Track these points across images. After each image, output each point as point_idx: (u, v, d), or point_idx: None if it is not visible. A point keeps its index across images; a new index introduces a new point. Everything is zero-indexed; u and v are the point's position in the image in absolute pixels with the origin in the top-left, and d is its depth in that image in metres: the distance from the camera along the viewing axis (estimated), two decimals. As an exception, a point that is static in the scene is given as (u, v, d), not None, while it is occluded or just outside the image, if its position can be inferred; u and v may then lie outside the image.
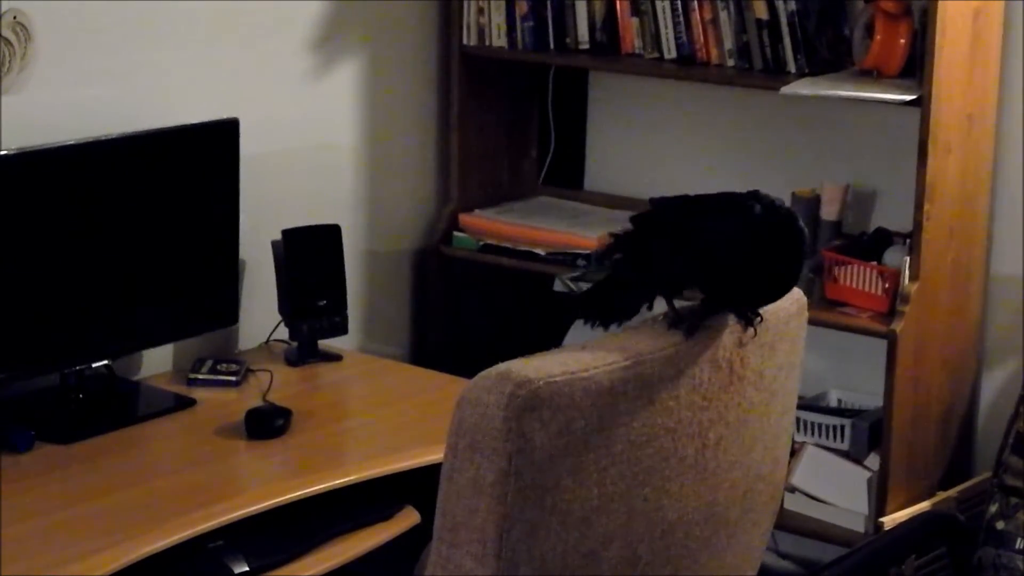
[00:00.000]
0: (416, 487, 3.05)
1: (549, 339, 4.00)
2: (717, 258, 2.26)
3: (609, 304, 2.39)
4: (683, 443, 2.25)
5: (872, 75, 3.57)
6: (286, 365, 3.60)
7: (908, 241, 3.55)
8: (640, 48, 3.86)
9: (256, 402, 3.31)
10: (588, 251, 3.89)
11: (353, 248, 3.90)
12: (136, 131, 3.29)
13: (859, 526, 3.61)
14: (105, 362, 3.33)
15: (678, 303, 2.32)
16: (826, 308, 3.58)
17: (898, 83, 3.52)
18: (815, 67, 3.65)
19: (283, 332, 3.67)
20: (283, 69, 3.76)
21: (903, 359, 3.49)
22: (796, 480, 3.68)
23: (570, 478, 2.11)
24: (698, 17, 3.75)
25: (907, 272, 3.49)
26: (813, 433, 3.73)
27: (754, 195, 2.29)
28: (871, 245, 3.67)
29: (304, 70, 3.81)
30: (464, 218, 4.10)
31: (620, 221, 3.88)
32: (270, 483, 3.03)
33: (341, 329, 3.69)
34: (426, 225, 4.15)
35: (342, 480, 3.01)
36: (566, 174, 4.32)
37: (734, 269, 2.26)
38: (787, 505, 3.66)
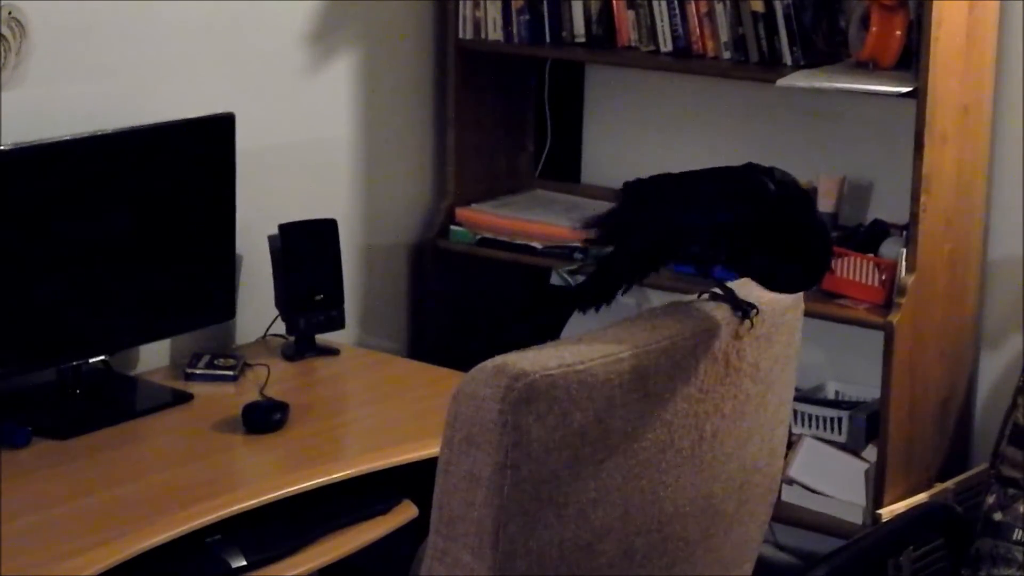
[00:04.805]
0: (414, 481, 3.05)
1: (546, 332, 3.99)
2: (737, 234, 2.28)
3: (601, 284, 2.39)
4: (679, 435, 2.25)
5: (868, 67, 3.57)
6: (283, 359, 3.60)
7: (905, 233, 3.55)
8: (636, 41, 3.86)
9: (253, 396, 3.30)
10: (585, 244, 3.89)
11: (350, 242, 3.90)
12: (132, 126, 3.29)
13: (857, 518, 3.61)
14: (102, 357, 3.33)
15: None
16: (823, 300, 3.58)
17: (894, 75, 3.51)
18: (811, 59, 3.65)
19: (280, 327, 3.67)
20: (279, 64, 3.76)
21: (900, 351, 3.49)
22: (794, 472, 3.68)
23: (566, 471, 2.11)
24: (694, 10, 3.75)
25: (904, 264, 3.49)
26: (811, 425, 3.73)
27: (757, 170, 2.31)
28: (868, 237, 3.68)
29: (300, 64, 3.81)
30: (461, 212, 4.10)
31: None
32: (267, 478, 3.03)
33: (338, 323, 3.69)
34: (423, 219, 4.15)
35: (340, 474, 3.01)
36: (563, 167, 4.32)
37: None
38: (785, 497, 3.66)
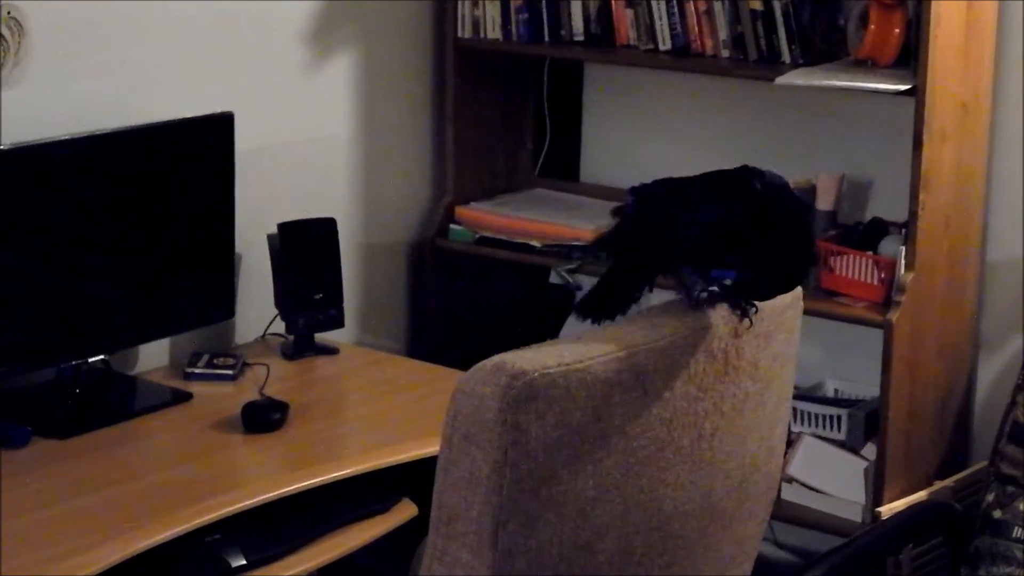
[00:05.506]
0: (413, 480, 3.05)
1: (545, 331, 4.00)
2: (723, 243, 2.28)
3: (611, 294, 2.38)
4: (679, 434, 2.25)
5: (867, 65, 3.57)
6: (282, 359, 3.60)
7: (904, 230, 3.55)
8: (635, 39, 3.86)
9: (253, 396, 3.31)
10: (584, 243, 3.89)
11: (349, 241, 3.90)
12: (131, 125, 3.29)
13: (856, 516, 3.61)
14: (102, 357, 3.33)
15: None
16: (822, 298, 3.58)
17: (893, 73, 3.51)
18: (810, 57, 3.65)
19: (279, 326, 3.67)
20: (278, 63, 3.76)
21: (899, 349, 3.49)
22: (793, 470, 3.68)
23: (566, 470, 2.11)
24: (692, 8, 3.75)
25: (903, 261, 3.50)
26: (810, 423, 3.73)
27: (749, 172, 2.31)
28: (867, 235, 3.67)
29: (299, 63, 3.81)
30: (460, 211, 4.10)
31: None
32: (267, 477, 3.03)
33: (337, 322, 3.69)
34: (422, 218, 4.15)
35: (339, 473, 3.01)
36: (562, 166, 4.32)
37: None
38: (784, 495, 3.66)
